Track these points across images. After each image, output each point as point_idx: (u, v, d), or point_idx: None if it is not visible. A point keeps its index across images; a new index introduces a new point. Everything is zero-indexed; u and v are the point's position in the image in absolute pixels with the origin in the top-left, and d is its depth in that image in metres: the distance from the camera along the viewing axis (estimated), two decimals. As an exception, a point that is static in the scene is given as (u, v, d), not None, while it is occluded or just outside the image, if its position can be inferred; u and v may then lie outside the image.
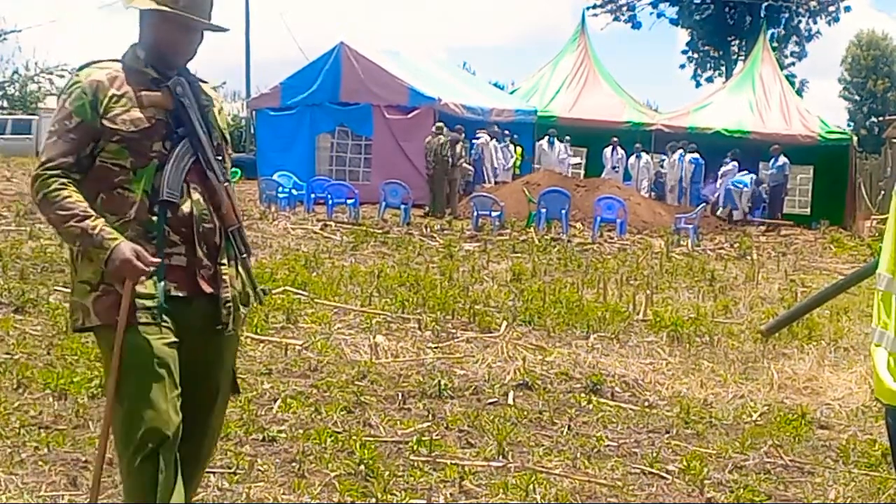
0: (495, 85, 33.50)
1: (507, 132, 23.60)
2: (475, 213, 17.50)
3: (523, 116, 24.74)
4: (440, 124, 20.26)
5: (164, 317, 2.98)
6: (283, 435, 5.03)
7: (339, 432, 5.09)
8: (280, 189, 20.24)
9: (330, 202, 18.88)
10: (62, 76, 47.75)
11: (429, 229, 16.43)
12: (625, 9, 45.65)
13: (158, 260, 2.91)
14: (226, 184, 3.11)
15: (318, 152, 23.03)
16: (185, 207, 3.00)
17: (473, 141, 22.38)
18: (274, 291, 8.90)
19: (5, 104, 46.07)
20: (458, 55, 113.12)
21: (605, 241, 16.25)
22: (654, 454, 5.00)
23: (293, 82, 23.05)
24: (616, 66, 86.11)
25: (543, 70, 27.28)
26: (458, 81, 25.73)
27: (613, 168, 23.31)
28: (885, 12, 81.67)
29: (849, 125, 42.82)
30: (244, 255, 3.16)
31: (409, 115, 21.89)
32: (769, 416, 5.85)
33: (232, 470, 4.49)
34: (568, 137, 23.92)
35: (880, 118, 37.08)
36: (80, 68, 3.09)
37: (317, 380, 6.19)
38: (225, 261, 3.09)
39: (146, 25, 3.09)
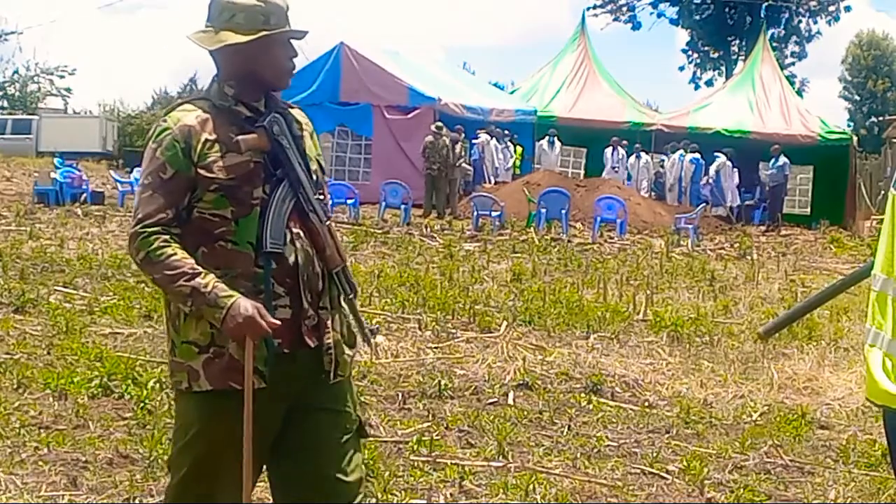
0: (495, 85, 33.51)
1: (506, 132, 23.60)
2: (475, 213, 17.51)
3: (523, 116, 24.74)
4: (439, 124, 20.25)
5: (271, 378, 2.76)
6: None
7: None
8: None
9: (330, 202, 18.87)
10: (62, 76, 47.93)
11: (429, 229, 16.44)
12: (625, 9, 45.64)
13: (278, 322, 2.69)
14: (328, 222, 2.87)
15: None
16: (290, 256, 2.77)
17: (473, 141, 22.40)
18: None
19: (5, 104, 46.13)
20: (457, 55, 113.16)
21: (605, 241, 16.25)
22: (655, 454, 5.00)
23: (293, 82, 22.82)
24: (616, 66, 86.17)
25: (543, 70, 27.27)
26: (457, 81, 25.73)
27: (613, 168, 23.30)
28: (884, 12, 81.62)
29: (849, 125, 42.79)
30: (350, 296, 2.91)
31: (409, 116, 21.90)
32: (769, 416, 5.85)
33: (232, 470, 4.49)
34: (638, 145, 23.23)
35: (880, 118, 37.09)
36: (167, 112, 2.84)
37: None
38: (327, 305, 2.84)
39: (237, 58, 2.82)
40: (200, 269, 2.68)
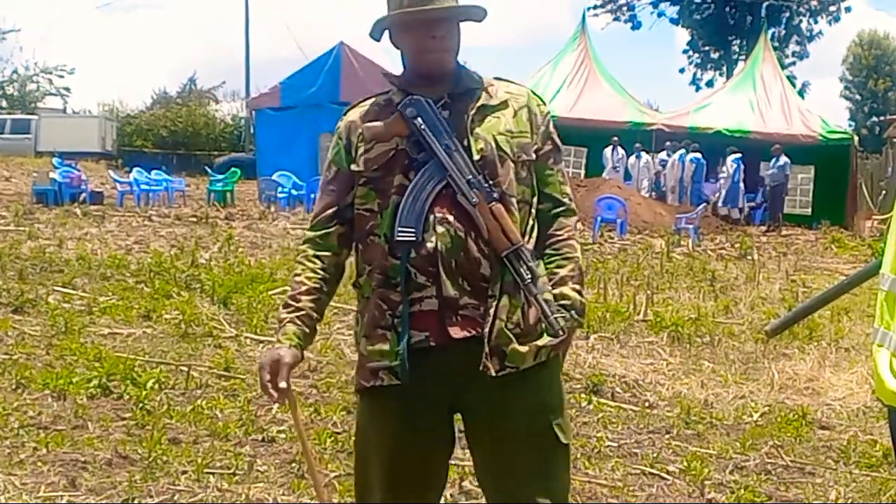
0: (495, 85, 33.43)
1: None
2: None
3: (523, 116, 24.71)
4: None
5: (413, 373, 2.54)
6: (283, 435, 5.02)
7: (338, 433, 5.07)
8: (280, 189, 20.25)
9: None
10: (61, 76, 47.99)
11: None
12: (625, 9, 45.68)
13: (284, 387, 2.52)
14: (492, 203, 2.57)
15: (322, 153, 23.08)
16: (430, 243, 2.55)
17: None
18: (273, 292, 8.90)
19: (4, 104, 46.19)
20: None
21: (605, 241, 16.24)
22: (655, 455, 4.99)
23: (293, 82, 23.08)
24: (616, 66, 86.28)
25: (543, 70, 27.22)
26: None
27: (614, 168, 23.27)
28: (884, 11, 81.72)
29: (850, 125, 42.84)
30: (527, 281, 2.56)
31: (409, 116, 21.89)
32: (770, 416, 5.84)
33: (231, 470, 4.48)
34: (638, 145, 22.88)
35: (881, 118, 37.12)
36: (347, 110, 2.79)
37: (316, 380, 6.17)
38: (496, 292, 2.56)
39: (395, 42, 2.71)
40: (297, 302, 2.63)
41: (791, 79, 36.09)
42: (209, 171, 24.71)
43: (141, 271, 10.10)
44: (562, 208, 2.70)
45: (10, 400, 5.42)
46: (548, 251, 2.68)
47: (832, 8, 44.65)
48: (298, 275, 2.67)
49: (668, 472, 4.75)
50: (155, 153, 36.39)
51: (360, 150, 2.65)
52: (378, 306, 2.59)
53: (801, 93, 37.67)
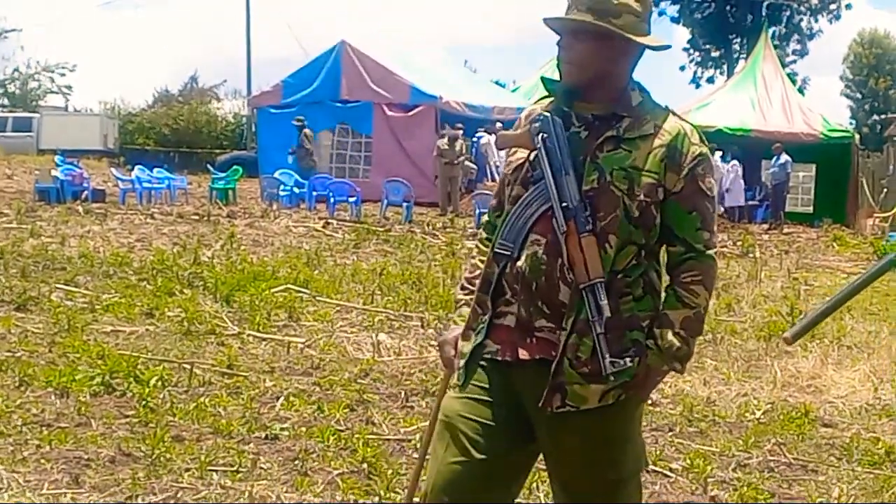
0: (497, 83, 33.48)
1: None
2: (477, 211, 17.53)
3: (525, 115, 24.73)
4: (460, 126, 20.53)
5: (478, 379, 2.63)
6: (286, 433, 5.02)
7: (341, 430, 5.08)
8: (282, 187, 20.26)
9: (332, 200, 18.89)
10: (63, 74, 48.08)
11: (431, 227, 16.44)
12: (626, 7, 45.61)
13: (460, 364, 2.66)
14: (584, 234, 2.50)
15: (321, 150, 23.08)
16: (520, 262, 2.57)
17: (476, 139, 22.37)
18: (275, 290, 8.91)
19: (6, 102, 46.24)
20: (459, 53, 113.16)
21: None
22: (658, 452, 4.99)
23: (294, 80, 23.07)
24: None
25: (544, 69, 27.24)
26: (459, 79, 25.73)
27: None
28: (884, 9, 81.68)
29: (851, 123, 42.80)
30: (594, 319, 2.49)
31: (410, 113, 21.90)
32: (772, 414, 5.84)
33: (234, 468, 4.48)
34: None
35: (882, 116, 37.04)
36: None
37: (319, 378, 6.18)
38: (569, 325, 2.53)
39: None
40: (468, 284, 2.78)
41: (791, 76, 36.07)
42: (211, 168, 24.69)
43: (143, 269, 10.10)
44: (693, 253, 2.60)
45: (13, 397, 5.42)
46: (668, 292, 2.63)
47: (833, 6, 44.59)
48: (473, 258, 2.82)
49: (671, 470, 4.75)
50: (157, 151, 36.40)
51: (510, 152, 2.73)
52: (475, 309, 2.68)
53: (800, 90, 37.64)
